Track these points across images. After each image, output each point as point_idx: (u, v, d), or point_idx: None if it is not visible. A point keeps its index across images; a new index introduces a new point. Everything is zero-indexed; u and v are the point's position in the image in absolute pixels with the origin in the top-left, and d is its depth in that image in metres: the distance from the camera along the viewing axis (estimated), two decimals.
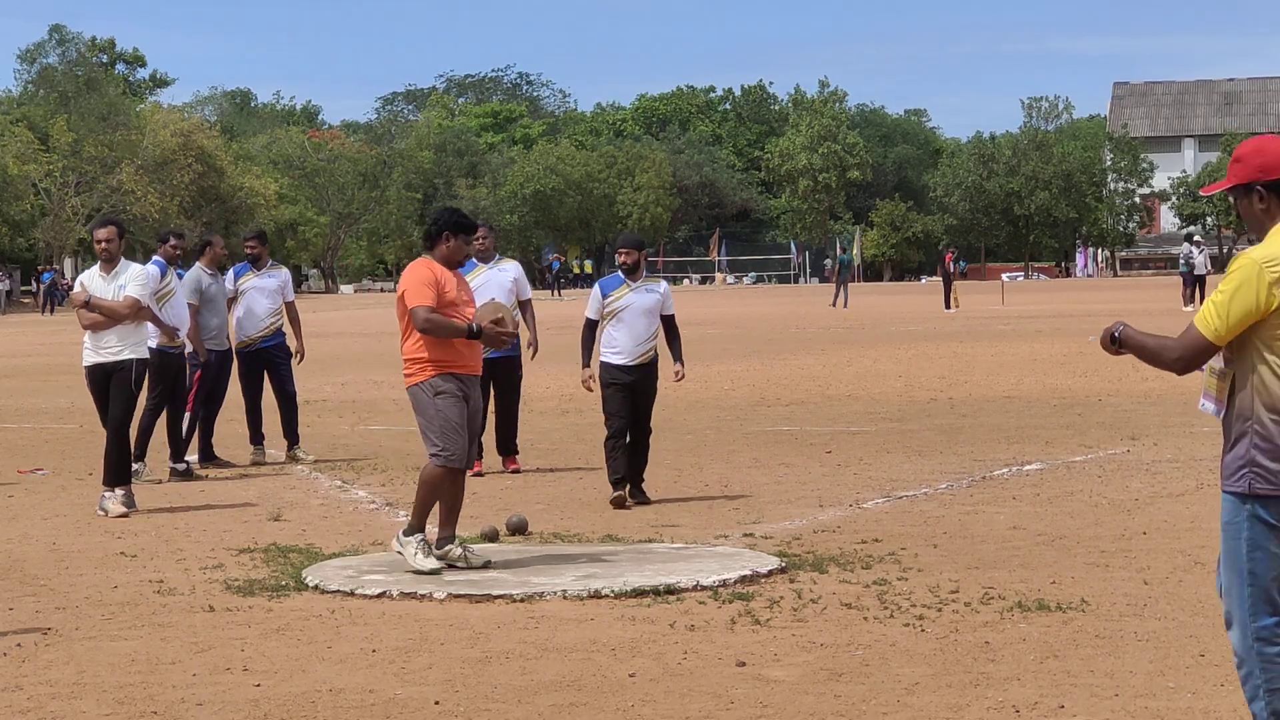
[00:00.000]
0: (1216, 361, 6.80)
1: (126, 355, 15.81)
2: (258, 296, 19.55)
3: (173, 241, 18.72)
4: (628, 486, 15.73)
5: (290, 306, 19.95)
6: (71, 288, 15.95)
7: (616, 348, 15.84)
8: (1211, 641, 9.59)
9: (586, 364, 15.94)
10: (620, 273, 16.27)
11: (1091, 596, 10.86)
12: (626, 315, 15.83)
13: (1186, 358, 6.81)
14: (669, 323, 16.37)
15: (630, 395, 15.74)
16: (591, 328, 15.93)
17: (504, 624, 10.48)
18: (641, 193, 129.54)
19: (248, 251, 20.09)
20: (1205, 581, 11.31)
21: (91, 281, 15.92)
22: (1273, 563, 6.78)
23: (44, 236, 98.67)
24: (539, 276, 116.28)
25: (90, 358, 15.82)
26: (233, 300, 19.71)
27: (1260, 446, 6.71)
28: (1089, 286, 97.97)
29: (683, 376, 16.82)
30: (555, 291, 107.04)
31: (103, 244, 16.15)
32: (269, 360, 19.62)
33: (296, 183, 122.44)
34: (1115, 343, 7.01)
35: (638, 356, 15.71)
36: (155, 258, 18.28)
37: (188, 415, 18.91)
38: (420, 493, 12.66)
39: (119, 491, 15.58)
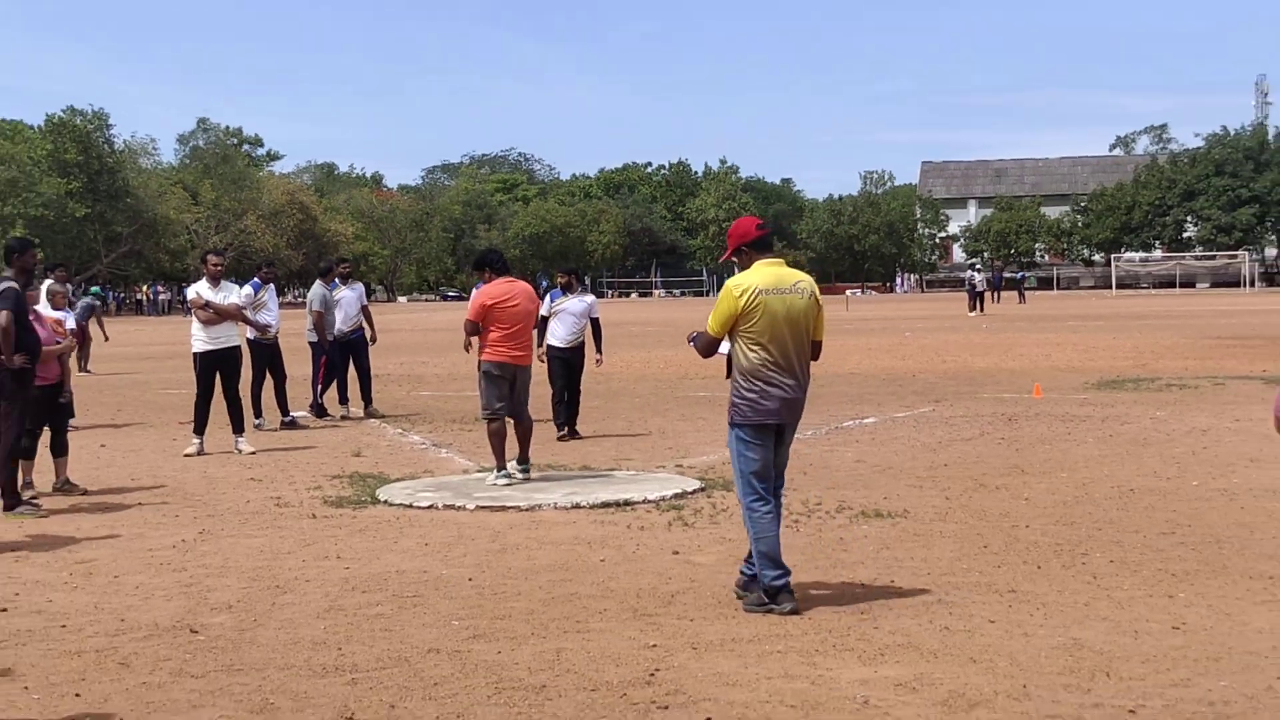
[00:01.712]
0: (725, 346, 8.09)
1: (233, 343, 15.77)
2: (345, 305, 19.50)
3: (265, 269, 18.67)
4: (566, 428, 16.33)
5: (366, 309, 19.92)
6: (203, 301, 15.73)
7: (556, 336, 16.37)
8: (992, 538, 9.66)
9: (539, 345, 16.08)
10: (560, 288, 16.80)
11: (910, 508, 10.92)
12: (563, 315, 16.38)
13: (708, 345, 8.11)
14: (595, 323, 16.97)
15: (565, 367, 16.24)
16: (543, 322, 15.99)
17: (514, 526, 10.51)
18: (604, 235, 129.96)
19: (342, 272, 20.03)
20: (988, 497, 11.41)
21: (205, 292, 15.74)
22: (749, 462, 7.86)
23: (192, 263, 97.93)
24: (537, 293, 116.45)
25: (202, 345, 15.55)
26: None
27: (736, 390, 7.88)
28: (906, 300, 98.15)
29: (600, 362, 17.69)
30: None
31: (216, 266, 16.06)
32: (354, 346, 19.55)
33: (366, 227, 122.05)
34: (691, 341, 8.37)
35: (569, 342, 16.32)
36: (254, 279, 18.18)
37: (319, 387, 19.05)
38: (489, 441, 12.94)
39: (243, 440, 15.57)
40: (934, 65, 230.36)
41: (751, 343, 7.81)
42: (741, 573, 8.06)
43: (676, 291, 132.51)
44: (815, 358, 8.12)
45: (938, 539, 9.65)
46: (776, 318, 7.78)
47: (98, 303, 34.02)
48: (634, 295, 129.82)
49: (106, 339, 34.88)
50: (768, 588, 7.69)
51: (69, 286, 17.35)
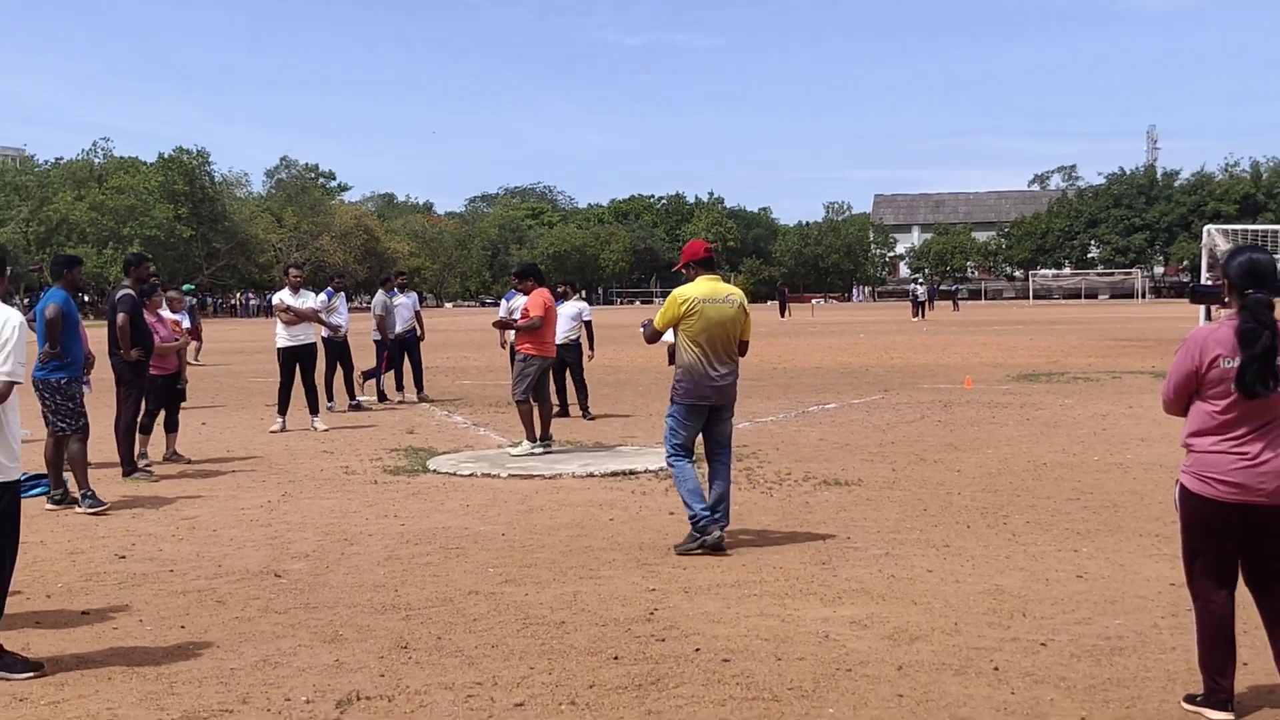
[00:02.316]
0: (668, 336, 8.45)
1: (310, 340, 15.72)
2: (402, 310, 19.44)
3: (337, 280, 18.66)
4: (582, 410, 16.35)
5: (419, 313, 19.84)
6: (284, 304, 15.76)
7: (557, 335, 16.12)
8: (930, 502, 9.65)
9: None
10: (559, 296, 16.60)
11: (863, 478, 10.89)
12: (560, 317, 15.81)
13: (652, 335, 8.49)
14: (588, 325, 17.23)
15: (562, 361, 15.79)
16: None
17: (539, 491, 10.50)
18: (614, 254, 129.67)
19: (399, 283, 19.95)
20: (927, 469, 11.38)
21: (287, 299, 15.70)
22: (678, 434, 8.11)
23: (277, 275, 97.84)
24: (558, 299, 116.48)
25: (285, 342, 15.47)
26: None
27: (681, 381, 8.07)
28: (860, 308, 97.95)
29: (591, 358, 17.69)
30: None
31: (296, 278, 15.99)
32: (409, 344, 19.48)
33: (420, 246, 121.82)
34: (643, 327, 8.64)
35: (563, 339, 15.77)
36: (327, 288, 18.15)
37: (381, 376, 18.98)
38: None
39: (319, 419, 15.58)
40: (886, 114, 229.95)
41: (690, 341, 8.05)
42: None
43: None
44: (743, 354, 8.37)
45: (886, 503, 9.63)
46: (711, 321, 8.03)
47: (193, 300, 33.90)
48: (638, 302, 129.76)
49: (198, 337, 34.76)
50: (697, 522, 7.89)
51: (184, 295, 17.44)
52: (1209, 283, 6.71)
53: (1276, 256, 5.08)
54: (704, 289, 8.11)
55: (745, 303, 8.27)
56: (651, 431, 14.70)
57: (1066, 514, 9.12)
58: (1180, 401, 5.06)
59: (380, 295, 19.34)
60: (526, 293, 13.39)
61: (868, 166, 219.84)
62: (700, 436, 8.23)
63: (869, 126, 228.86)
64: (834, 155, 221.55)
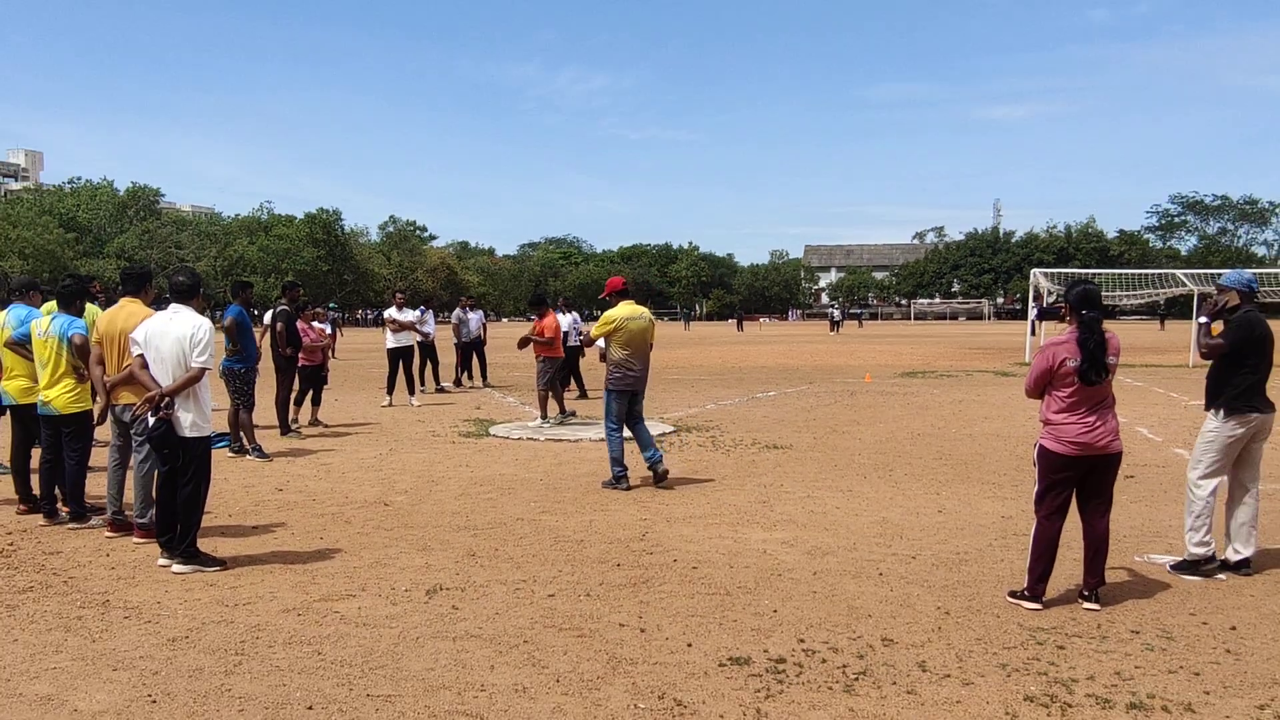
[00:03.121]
0: (601, 343, 8.30)
1: (409, 343, 15.56)
2: (471, 323, 19.37)
3: (428, 301, 18.56)
4: (577, 388, 16.02)
5: (484, 325, 19.82)
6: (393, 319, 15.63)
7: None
8: (840, 460, 9.55)
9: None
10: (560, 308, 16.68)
11: (794, 443, 10.79)
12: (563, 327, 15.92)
13: (588, 342, 8.46)
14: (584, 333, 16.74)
15: (568, 360, 15.55)
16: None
17: (568, 450, 10.44)
18: None
19: (468, 304, 19.88)
20: (838, 438, 11.21)
21: (394, 314, 15.53)
22: (614, 412, 8.11)
23: (386, 297, 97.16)
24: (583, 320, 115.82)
25: (392, 344, 15.30)
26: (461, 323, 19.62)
27: (613, 374, 8.07)
28: (793, 325, 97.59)
29: (584, 355, 16.80)
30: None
31: (399, 298, 15.78)
32: (478, 348, 19.41)
33: (485, 278, 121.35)
34: (582, 337, 9.05)
35: (567, 341, 15.46)
36: (420, 306, 18.08)
37: (458, 368, 18.83)
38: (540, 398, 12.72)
39: (414, 398, 15.52)
40: (816, 187, 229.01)
41: (620, 347, 8.17)
42: (649, 459, 8.29)
43: (664, 317, 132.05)
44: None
45: (809, 461, 9.59)
46: (632, 333, 8.18)
47: (336, 314, 33.94)
48: None
49: (341, 334, 34.71)
50: (616, 473, 8.07)
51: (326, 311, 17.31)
52: (1051, 306, 6.85)
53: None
54: (625, 311, 8.27)
55: (653, 320, 8.42)
56: (654, 409, 14.65)
57: (932, 469, 9.11)
58: (1037, 389, 5.15)
59: (457, 311, 19.29)
60: (541, 317, 13.10)
61: (802, 225, 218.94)
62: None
63: (804, 196, 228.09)
64: (778, 216, 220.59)
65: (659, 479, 8.09)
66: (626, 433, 8.63)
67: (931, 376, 21.25)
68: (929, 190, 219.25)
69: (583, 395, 16.13)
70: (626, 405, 8.29)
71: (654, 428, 12.12)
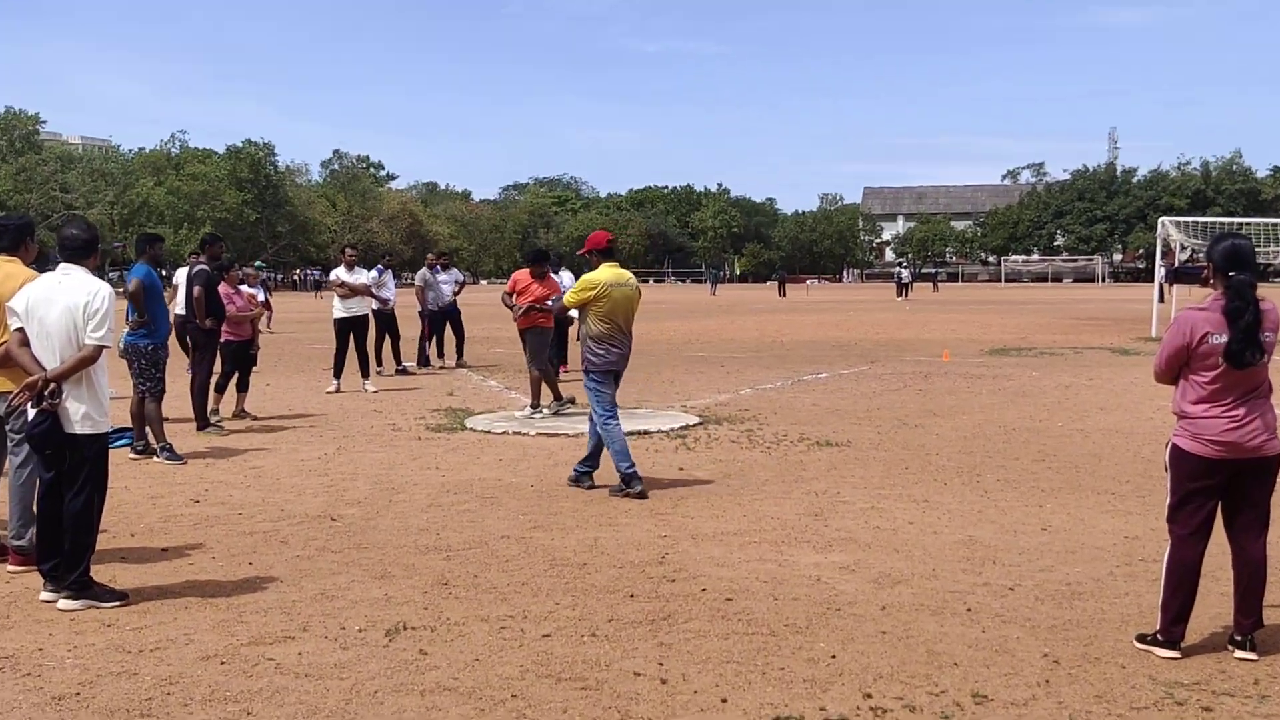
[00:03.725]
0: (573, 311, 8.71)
1: (362, 312, 15.65)
2: (443, 286, 19.42)
3: (386, 258, 18.61)
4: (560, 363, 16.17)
5: (462, 285, 19.93)
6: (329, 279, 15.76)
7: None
8: (911, 462, 9.61)
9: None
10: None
11: (852, 439, 10.85)
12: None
13: (561, 310, 9.05)
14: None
15: (557, 329, 15.60)
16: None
17: (564, 448, 10.49)
18: (630, 239, 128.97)
19: (441, 262, 19.92)
20: (909, 433, 11.33)
21: (342, 275, 15.58)
22: (603, 395, 8.36)
23: (332, 254, 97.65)
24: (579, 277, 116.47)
25: (340, 313, 15.42)
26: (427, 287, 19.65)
27: (589, 350, 8.37)
28: (850, 288, 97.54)
29: (572, 322, 16.82)
30: None
31: (350, 256, 15.86)
32: (452, 317, 19.45)
33: (459, 229, 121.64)
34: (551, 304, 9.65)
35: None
36: (377, 266, 18.11)
37: (426, 342, 18.95)
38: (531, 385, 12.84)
39: (369, 382, 15.59)
40: (877, 115, 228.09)
41: (601, 319, 8.37)
42: (575, 470, 8.63)
43: (686, 279, 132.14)
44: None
45: (872, 462, 9.60)
46: (617, 302, 8.40)
47: (268, 276, 34.10)
48: (651, 281, 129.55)
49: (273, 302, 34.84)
50: (624, 475, 8.21)
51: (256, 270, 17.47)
52: (1186, 265, 6.77)
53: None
54: (610, 275, 8.45)
55: (638, 286, 8.66)
56: (663, 396, 14.70)
57: (1033, 473, 9.08)
58: (1170, 373, 5.07)
59: (423, 272, 19.33)
60: (540, 276, 13.03)
61: (859, 161, 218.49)
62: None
63: (862, 126, 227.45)
64: (829, 151, 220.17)
65: (577, 482, 8.51)
66: (586, 427, 8.91)
67: (1029, 354, 21.20)
68: (1024, 117, 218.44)
69: (561, 364, 16.21)
70: (614, 388, 8.56)
71: (676, 418, 12.18)
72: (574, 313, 8.83)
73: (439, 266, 19.62)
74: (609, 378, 8.46)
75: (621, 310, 8.45)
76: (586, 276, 8.55)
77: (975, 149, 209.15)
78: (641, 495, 8.09)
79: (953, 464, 9.53)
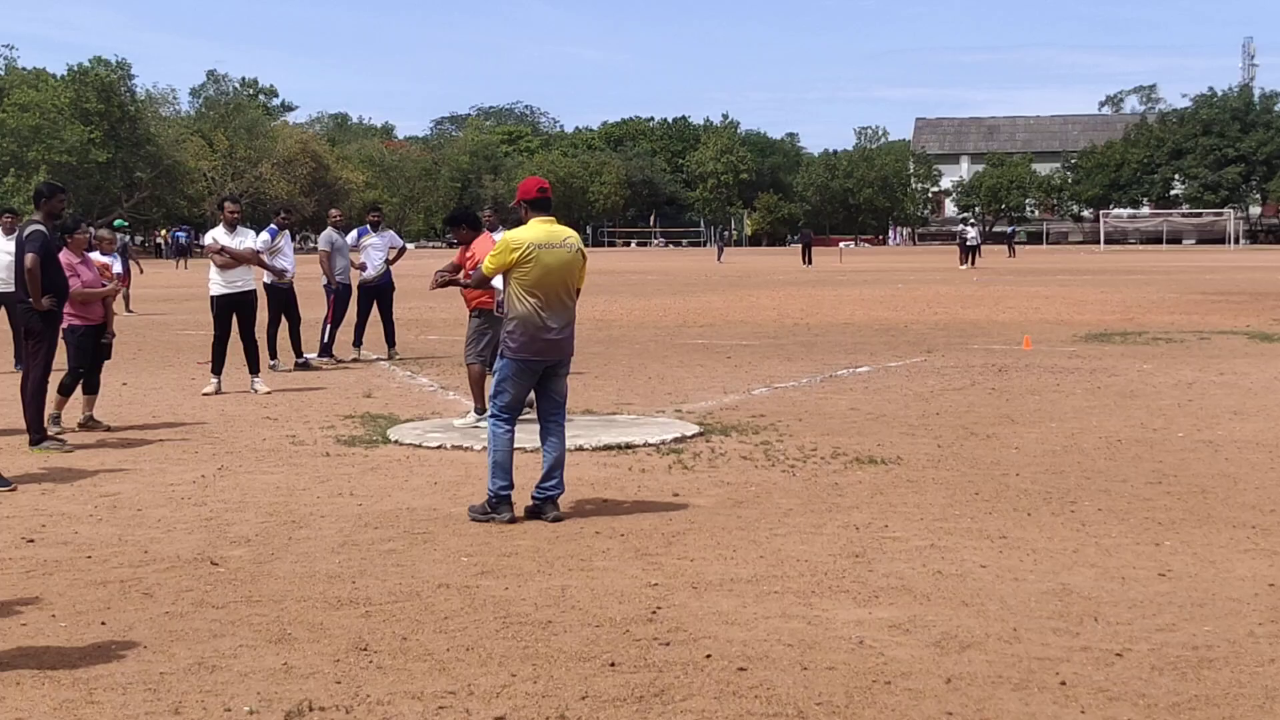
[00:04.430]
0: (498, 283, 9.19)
1: (249, 286, 15.65)
2: (373, 251, 19.42)
3: (282, 215, 18.58)
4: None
5: (401, 251, 20.16)
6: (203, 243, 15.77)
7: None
8: (983, 485, 9.67)
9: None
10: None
11: (904, 454, 10.91)
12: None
13: (481, 281, 9.36)
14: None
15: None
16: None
17: (519, 467, 10.43)
18: (605, 187, 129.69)
19: (371, 219, 19.93)
20: (979, 445, 11.41)
21: (221, 237, 15.56)
22: (505, 394, 8.69)
23: (210, 209, 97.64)
24: None
25: (219, 289, 15.42)
26: (354, 251, 19.63)
27: (513, 335, 8.60)
28: (898, 253, 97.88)
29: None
30: None
31: (233, 213, 15.85)
32: (381, 292, 19.47)
33: (377, 175, 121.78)
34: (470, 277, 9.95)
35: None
36: (270, 225, 18.11)
37: (328, 327, 18.94)
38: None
39: (260, 380, 15.59)
40: (928, 23, 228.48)
41: (525, 291, 8.59)
42: (534, 495, 8.80)
43: (680, 241, 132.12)
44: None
45: (930, 485, 9.65)
46: (547, 269, 8.60)
47: (127, 239, 33.84)
48: (633, 245, 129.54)
49: (141, 272, 34.75)
50: (493, 495, 8.50)
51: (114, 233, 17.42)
52: None
53: None
54: (539, 233, 8.66)
55: (583, 248, 8.88)
56: (650, 397, 14.74)
57: (1146, 500, 9.12)
58: None
59: (328, 230, 19.31)
60: (465, 242, 13.00)
61: (907, 85, 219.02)
62: (534, 395, 8.95)
63: (908, 38, 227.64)
64: (867, 72, 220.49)
65: (534, 515, 8.65)
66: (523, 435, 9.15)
67: (1138, 341, 21.33)
68: (1130, 24, 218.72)
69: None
70: (531, 385, 8.77)
71: (668, 426, 12.20)
72: (497, 282, 9.04)
73: (369, 226, 19.64)
74: (527, 372, 8.68)
75: (555, 279, 8.62)
76: (508, 235, 8.79)
77: (1064, 67, 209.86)
78: (508, 519, 8.47)
79: (1038, 487, 9.56)
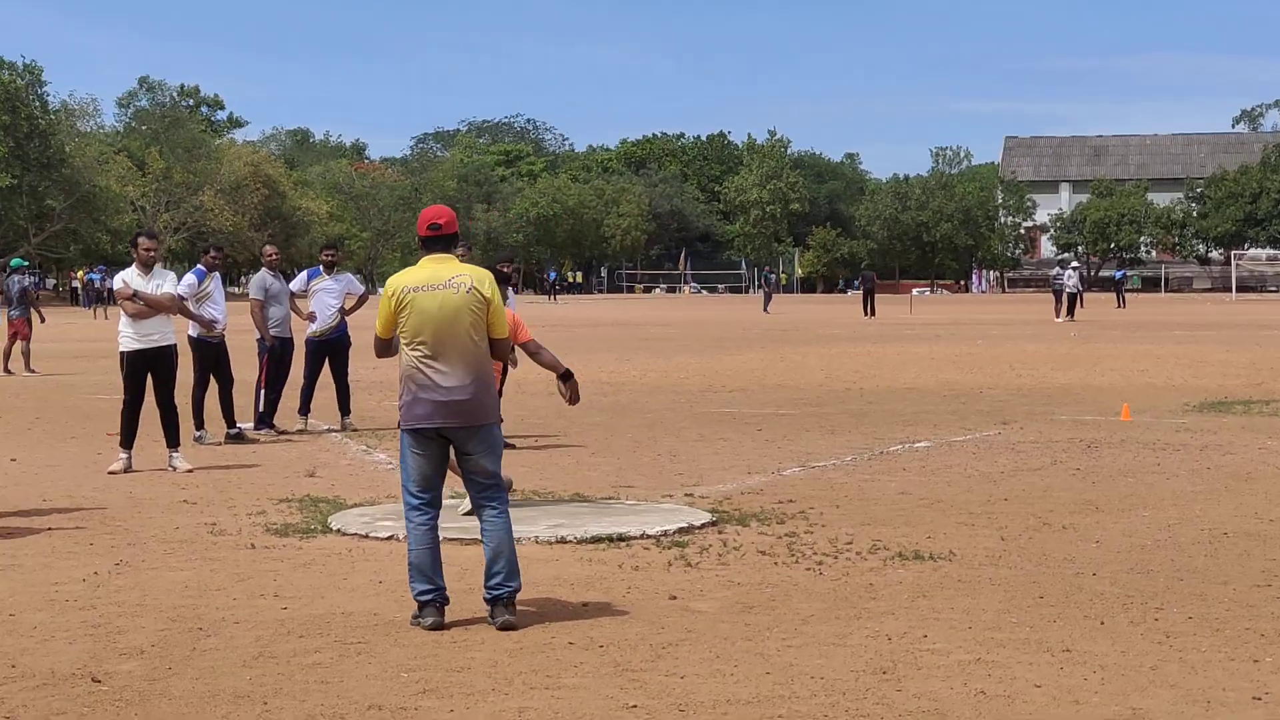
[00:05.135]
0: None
1: (168, 341, 15.74)
2: (325, 297, 19.53)
3: (212, 253, 18.69)
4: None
5: (361, 300, 20.26)
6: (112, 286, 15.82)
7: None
8: (1050, 586, 9.65)
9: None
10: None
11: (958, 549, 10.91)
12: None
13: (380, 347, 9.06)
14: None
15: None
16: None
17: (481, 561, 10.52)
18: (623, 219, 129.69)
19: (324, 259, 20.12)
20: (1051, 538, 11.39)
21: (132, 280, 15.62)
22: (407, 470, 8.96)
23: None
24: (539, 284, 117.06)
25: (130, 344, 15.53)
26: (302, 298, 19.79)
27: (400, 399, 8.89)
28: (982, 301, 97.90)
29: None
30: (552, 296, 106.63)
31: (148, 251, 15.86)
32: (333, 349, 19.59)
33: (344, 205, 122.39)
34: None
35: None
36: (197, 266, 18.25)
37: (262, 392, 19.03)
38: None
39: (178, 455, 15.62)
40: (1019, 23, 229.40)
41: (407, 343, 8.81)
42: (486, 592, 8.84)
43: (716, 287, 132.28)
44: (500, 357, 9.29)
45: (985, 587, 9.63)
46: (426, 315, 8.72)
47: (32, 281, 33.85)
48: (658, 290, 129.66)
49: (43, 321, 34.77)
50: (416, 599, 8.72)
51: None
52: None
53: None
54: (419, 275, 8.84)
55: (486, 286, 8.87)
56: (657, 478, 14.77)
57: (1249, 606, 9.08)
58: None
59: (262, 273, 19.45)
60: None
61: (994, 97, 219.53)
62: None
63: (996, 40, 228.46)
64: (944, 81, 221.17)
65: (494, 619, 8.72)
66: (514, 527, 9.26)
67: (1263, 412, 21.31)
68: (1270, 21, 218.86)
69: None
70: (433, 459, 8.90)
71: (674, 514, 12.24)
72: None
73: (320, 267, 19.80)
74: (421, 442, 8.82)
75: (441, 325, 8.71)
76: (389, 280, 9.03)
77: (1188, 76, 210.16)
78: (436, 627, 8.56)
79: (1117, 590, 9.53)
